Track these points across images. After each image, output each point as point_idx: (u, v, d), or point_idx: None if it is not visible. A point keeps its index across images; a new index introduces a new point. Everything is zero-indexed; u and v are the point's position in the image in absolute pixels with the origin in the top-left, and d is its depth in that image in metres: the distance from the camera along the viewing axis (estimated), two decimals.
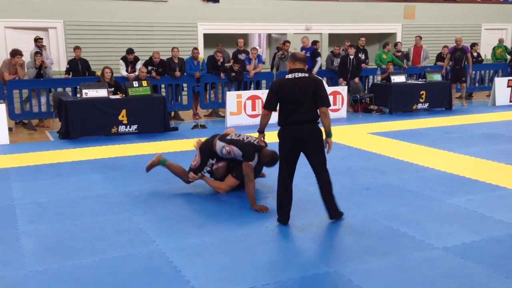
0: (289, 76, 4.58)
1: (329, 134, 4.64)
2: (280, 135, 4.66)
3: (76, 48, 11.20)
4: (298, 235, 4.54)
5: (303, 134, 4.54)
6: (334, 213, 4.80)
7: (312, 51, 12.49)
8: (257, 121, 10.36)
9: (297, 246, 4.29)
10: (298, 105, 4.49)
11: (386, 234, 4.52)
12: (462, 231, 4.56)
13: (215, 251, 4.19)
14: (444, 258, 4.00)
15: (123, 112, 9.38)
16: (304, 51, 12.39)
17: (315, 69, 12.33)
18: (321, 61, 12.65)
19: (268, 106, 4.62)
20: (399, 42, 14.53)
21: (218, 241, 4.38)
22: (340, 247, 4.29)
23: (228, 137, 5.66)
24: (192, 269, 3.85)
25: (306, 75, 4.59)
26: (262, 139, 4.90)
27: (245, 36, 15.63)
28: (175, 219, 4.96)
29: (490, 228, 4.62)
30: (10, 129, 9.49)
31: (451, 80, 12.95)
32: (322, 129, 4.65)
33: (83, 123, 9.12)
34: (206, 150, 5.74)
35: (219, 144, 5.63)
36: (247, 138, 5.63)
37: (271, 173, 6.54)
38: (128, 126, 9.48)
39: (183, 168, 5.95)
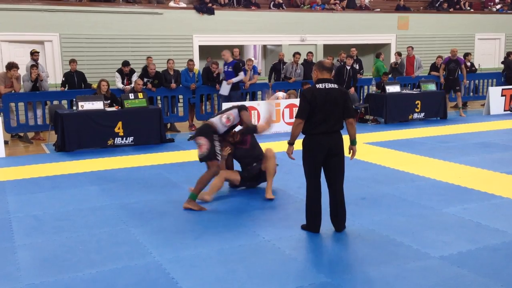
0: (320, 86, 4.61)
1: (354, 142, 4.81)
2: (309, 144, 4.67)
3: (72, 61, 11.25)
4: (294, 245, 4.54)
5: (334, 143, 4.63)
6: (341, 228, 4.85)
7: (234, 65, 11.34)
8: None
9: (294, 256, 4.30)
10: (329, 115, 4.57)
11: (383, 243, 4.52)
12: (458, 240, 4.57)
13: (212, 262, 4.19)
14: (440, 267, 4.01)
15: (119, 124, 9.40)
16: (226, 65, 11.41)
17: (234, 80, 11.32)
18: (243, 76, 11.47)
19: (303, 115, 4.59)
20: (397, 52, 14.62)
21: (215, 253, 4.38)
22: (336, 257, 4.29)
23: (216, 114, 6.11)
24: (189, 281, 3.85)
25: (336, 86, 4.66)
26: (291, 153, 4.77)
27: (240, 48, 15.70)
28: (171, 231, 4.96)
29: (486, 237, 4.63)
30: (6, 142, 9.48)
31: (445, 90, 13.04)
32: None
33: (79, 136, 9.12)
34: (206, 130, 5.79)
35: (215, 120, 5.88)
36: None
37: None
38: (124, 138, 9.48)
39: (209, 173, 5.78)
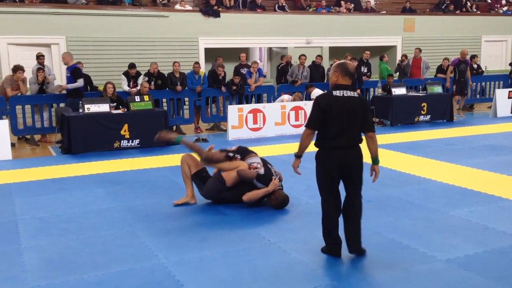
0: (337, 93, 4.01)
1: (376, 161, 4.21)
2: (322, 158, 4.11)
3: (77, 63, 11.28)
4: (300, 248, 4.52)
5: (350, 159, 4.07)
6: (355, 247, 4.24)
7: (72, 70, 10.07)
8: (258, 134, 10.50)
9: (299, 259, 4.28)
10: (346, 127, 4.00)
11: (389, 246, 4.50)
12: (465, 243, 4.55)
13: (217, 265, 4.18)
14: (447, 270, 3.99)
15: (125, 126, 9.42)
16: (67, 69, 10.25)
17: (69, 86, 10.05)
18: (81, 84, 10.13)
19: (314, 125, 4.03)
20: (404, 55, 14.60)
21: (220, 255, 4.38)
22: (342, 260, 4.27)
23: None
24: (194, 283, 3.84)
25: (356, 94, 4.08)
26: (297, 167, 4.24)
27: (246, 50, 15.72)
28: (177, 233, 4.96)
29: (493, 240, 4.60)
30: (13, 145, 9.52)
31: (456, 92, 12.99)
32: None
33: (86, 138, 9.15)
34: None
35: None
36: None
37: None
38: (130, 141, 9.51)
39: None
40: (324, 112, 3.98)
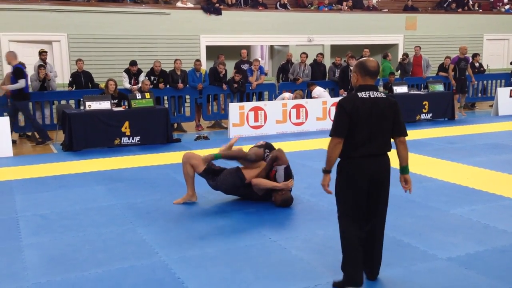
0: (363, 94, 3.56)
1: (406, 170, 3.74)
2: (347, 170, 3.58)
3: (78, 60, 11.31)
4: (301, 246, 4.52)
5: (381, 169, 3.62)
6: (374, 275, 3.83)
7: (14, 70, 9.46)
8: (259, 132, 10.50)
9: (300, 257, 4.28)
10: (374, 133, 3.54)
11: (389, 245, 4.48)
12: (465, 241, 4.54)
13: (218, 262, 4.18)
14: (448, 269, 3.99)
15: (126, 124, 9.42)
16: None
17: (9, 87, 9.50)
18: (22, 85, 9.43)
19: (341, 132, 3.50)
20: (404, 53, 14.58)
21: (221, 253, 4.37)
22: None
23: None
24: (195, 281, 3.85)
25: (383, 95, 3.65)
26: (328, 184, 3.61)
27: (247, 48, 15.70)
28: (177, 231, 4.96)
29: (494, 239, 4.60)
30: (13, 142, 9.53)
31: (456, 91, 12.94)
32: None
33: (87, 135, 9.15)
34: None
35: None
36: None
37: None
38: (131, 138, 9.50)
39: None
40: (351, 116, 3.50)
